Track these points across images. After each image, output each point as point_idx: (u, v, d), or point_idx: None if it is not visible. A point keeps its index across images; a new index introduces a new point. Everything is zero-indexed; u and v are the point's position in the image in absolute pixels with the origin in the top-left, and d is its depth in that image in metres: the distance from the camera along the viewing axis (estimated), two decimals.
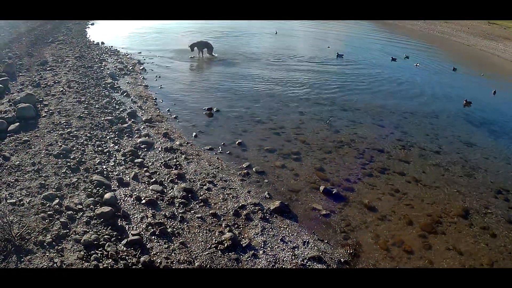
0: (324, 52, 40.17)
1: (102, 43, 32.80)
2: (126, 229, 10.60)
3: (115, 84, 22.18)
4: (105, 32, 37.75)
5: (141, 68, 26.61)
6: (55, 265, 8.71)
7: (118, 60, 27.52)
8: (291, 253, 10.83)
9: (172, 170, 14.01)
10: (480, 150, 19.58)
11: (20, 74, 20.52)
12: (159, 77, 25.23)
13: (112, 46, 31.65)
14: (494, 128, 23.28)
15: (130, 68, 26.10)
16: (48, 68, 22.32)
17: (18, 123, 14.83)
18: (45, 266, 8.59)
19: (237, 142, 17.02)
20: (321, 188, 14.18)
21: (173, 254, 10.08)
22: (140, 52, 30.77)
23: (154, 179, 13.20)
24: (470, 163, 17.90)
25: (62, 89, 19.36)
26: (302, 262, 10.56)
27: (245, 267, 10.10)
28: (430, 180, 15.90)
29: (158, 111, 19.55)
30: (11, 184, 11.37)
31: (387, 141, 19.28)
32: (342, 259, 10.93)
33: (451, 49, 51.54)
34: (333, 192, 14.01)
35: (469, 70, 39.67)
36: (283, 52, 37.55)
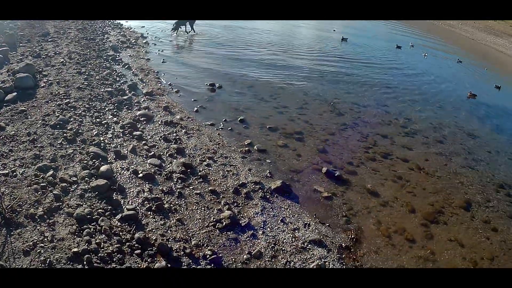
0: (329, 35, 40.22)
1: None
2: (121, 203, 10.34)
3: (117, 56, 21.87)
4: None
5: (143, 41, 26.29)
6: (46, 239, 8.46)
7: (121, 33, 27.16)
8: (291, 235, 10.64)
9: (171, 145, 13.75)
10: (483, 143, 19.62)
11: (20, 44, 20.16)
12: (162, 51, 24.91)
13: (115, 20, 31.08)
14: (497, 123, 23.40)
15: (133, 41, 25.77)
16: (49, 39, 21.93)
17: (15, 93, 14.50)
18: (35, 240, 8.35)
19: (239, 119, 16.77)
20: (324, 169, 14.03)
21: (169, 231, 9.84)
22: (143, 26, 30.34)
23: (153, 152, 12.95)
24: (473, 155, 17.91)
25: (63, 60, 19.00)
26: (303, 245, 10.38)
27: (243, 247, 9.91)
28: (433, 169, 15.84)
29: (159, 84, 19.26)
30: (5, 154, 11.06)
31: (391, 126, 19.25)
32: (343, 244, 10.75)
33: (456, 42, 51.78)
34: (336, 175, 13.87)
35: (474, 63, 39.98)
36: (288, 34, 37.54)
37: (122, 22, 30.42)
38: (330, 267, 9.84)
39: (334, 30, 42.16)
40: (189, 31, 30.62)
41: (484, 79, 34.87)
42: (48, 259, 7.92)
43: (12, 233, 8.45)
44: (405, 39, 44.52)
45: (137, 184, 11.28)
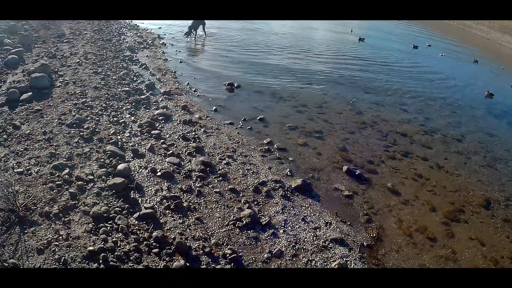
0: (346, 35, 40.26)
1: None
2: (139, 202, 10.20)
3: (134, 57, 21.75)
4: None
5: (160, 42, 26.19)
6: (60, 237, 8.30)
7: (137, 34, 27.09)
8: (312, 234, 10.42)
9: (190, 143, 13.59)
10: (501, 142, 19.41)
11: (36, 45, 20.15)
12: (179, 51, 24.79)
13: (131, 21, 31.01)
14: None
15: (150, 42, 25.68)
16: (65, 41, 21.92)
17: (30, 93, 14.47)
18: (50, 239, 8.20)
19: (258, 118, 16.62)
20: (344, 168, 13.89)
21: (188, 230, 9.66)
22: (160, 27, 30.29)
23: (171, 151, 12.80)
24: (492, 153, 17.70)
25: (79, 60, 18.95)
26: (324, 243, 10.16)
27: (264, 246, 9.70)
28: (453, 167, 15.66)
29: (177, 84, 19.12)
30: (20, 153, 11.00)
31: (410, 125, 19.08)
32: (365, 243, 10.56)
33: (471, 41, 51.63)
34: (356, 173, 13.72)
35: (490, 63, 39.80)
36: (305, 35, 37.41)
37: (138, 23, 30.39)
38: (352, 266, 9.64)
39: (351, 31, 42.15)
40: (202, 34, 30.29)
41: (500, 78, 34.63)
42: (63, 258, 7.76)
43: (25, 231, 8.31)
44: (421, 39, 44.51)
45: (155, 182, 11.13)
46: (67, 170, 10.47)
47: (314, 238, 10.27)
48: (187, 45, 27.02)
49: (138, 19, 29.30)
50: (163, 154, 12.58)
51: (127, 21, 30.33)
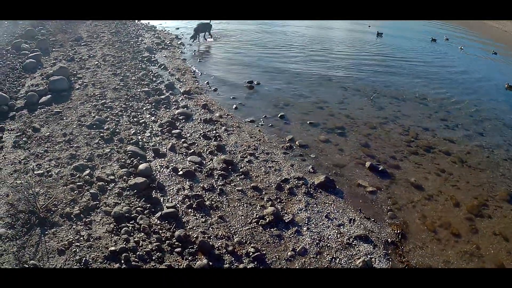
0: (364, 31, 40.17)
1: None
2: (161, 201, 10.14)
3: (152, 57, 21.79)
4: None
5: (179, 43, 26.22)
6: (81, 238, 8.28)
7: (155, 36, 27.16)
8: (336, 231, 10.25)
9: (211, 142, 13.52)
10: None
11: (53, 49, 20.33)
12: (198, 51, 24.87)
13: (148, 22, 31.22)
14: None
15: (168, 43, 25.71)
16: (82, 44, 22.10)
17: (50, 96, 14.56)
18: (70, 239, 8.17)
19: (279, 115, 16.49)
20: (367, 164, 13.66)
21: (210, 228, 9.56)
22: (178, 28, 30.38)
23: (192, 150, 12.73)
24: None
25: (97, 62, 19.04)
26: (348, 240, 9.98)
27: (287, 244, 9.57)
28: (475, 162, 15.34)
29: (196, 83, 19.08)
30: (40, 155, 11.02)
31: (431, 119, 18.77)
32: (389, 239, 10.35)
33: (489, 34, 50.99)
34: (379, 169, 13.51)
35: (509, 55, 38.87)
36: (324, 32, 37.35)
37: (156, 24, 30.53)
38: (377, 263, 9.48)
39: (369, 26, 42.12)
40: (208, 37, 29.95)
41: None
42: (84, 258, 7.70)
43: (46, 232, 8.29)
44: (438, 32, 44.23)
45: (177, 181, 11.08)
46: (87, 171, 10.47)
47: (338, 235, 10.11)
48: (205, 45, 27.03)
49: (152, 19, 29.53)
50: (184, 153, 12.53)
51: (144, 22, 30.57)
